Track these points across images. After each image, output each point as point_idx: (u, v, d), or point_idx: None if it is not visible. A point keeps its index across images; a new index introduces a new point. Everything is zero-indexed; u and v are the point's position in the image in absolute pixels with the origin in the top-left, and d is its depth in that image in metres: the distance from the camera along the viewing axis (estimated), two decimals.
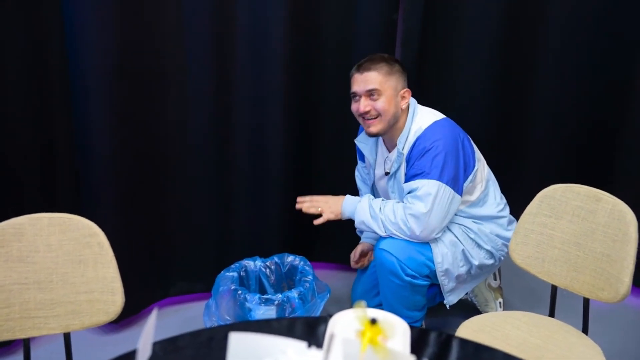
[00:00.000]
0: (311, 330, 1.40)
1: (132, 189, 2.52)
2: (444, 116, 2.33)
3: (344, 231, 2.74)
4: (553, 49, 2.93)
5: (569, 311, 2.20)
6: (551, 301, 2.06)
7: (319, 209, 2.33)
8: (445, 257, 2.26)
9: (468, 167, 2.26)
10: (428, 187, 2.16)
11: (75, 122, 2.41)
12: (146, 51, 2.40)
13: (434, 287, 2.41)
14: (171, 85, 2.48)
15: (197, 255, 2.76)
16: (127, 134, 2.44)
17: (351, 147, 2.58)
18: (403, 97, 2.29)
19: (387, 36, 2.68)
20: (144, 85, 2.44)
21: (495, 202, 2.39)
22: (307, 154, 2.81)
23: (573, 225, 1.95)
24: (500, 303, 2.64)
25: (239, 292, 2.31)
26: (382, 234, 2.26)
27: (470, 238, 2.32)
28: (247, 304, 2.28)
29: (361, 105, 2.26)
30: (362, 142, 2.45)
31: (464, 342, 1.36)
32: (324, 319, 1.41)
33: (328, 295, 2.43)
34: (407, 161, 2.27)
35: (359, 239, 2.67)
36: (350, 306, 2.10)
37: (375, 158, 2.46)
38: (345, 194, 2.37)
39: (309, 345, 1.03)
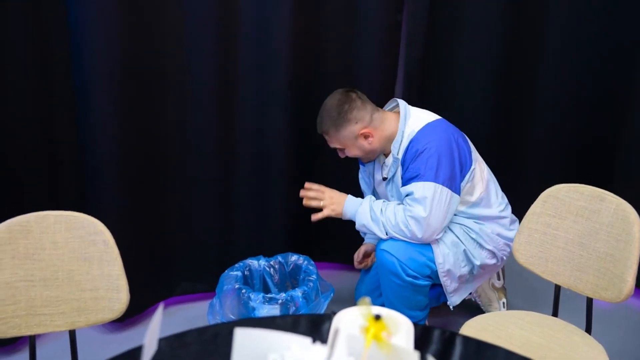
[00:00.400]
0: (315, 328, 1.41)
1: (135, 189, 2.53)
2: (437, 117, 2.32)
3: (348, 231, 2.74)
4: (554, 49, 2.94)
5: (571, 311, 2.20)
6: (554, 301, 2.06)
7: (321, 203, 2.33)
8: (447, 257, 2.26)
9: (464, 166, 2.26)
10: (424, 189, 2.17)
11: (78, 122, 2.42)
12: (149, 51, 2.41)
13: (438, 287, 2.41)
14: (174, 85, 2.49)
15: (200, 255, 2.77)
16: (130, 134, 2.45)
17: None
18: (365, 137, 2.29)
19: (391, 37, 2.68)
20: (147, 85, 2.45)
21: (497, 202, 2.39)
22: (311, 153, 2.82)
23: (577, 225, 1.96)
24: (503, 303, 2.64)
25: (243, 291, 2.32)
26: (384, 236, 2.26)
27: (472, 238, 2.33)
28: (251, 303, 2.29)
29: (340, 155, 2.40)
30: None
31: (467, 340, 1.37)
32: (328, 317, 1.42)
33: (332, 294, 2.44)
34: (402, 165, 2.27)
35: (363, 239, 2.68)
36: (354, 306, 2.10)
37: (373, 164, 2.47)
38: (350, 194, 2.37)
39: (314, 341, 1.04)
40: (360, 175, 2.62)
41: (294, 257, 2.59)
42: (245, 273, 2.53)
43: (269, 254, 2.63)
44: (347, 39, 2.67)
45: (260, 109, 2.64)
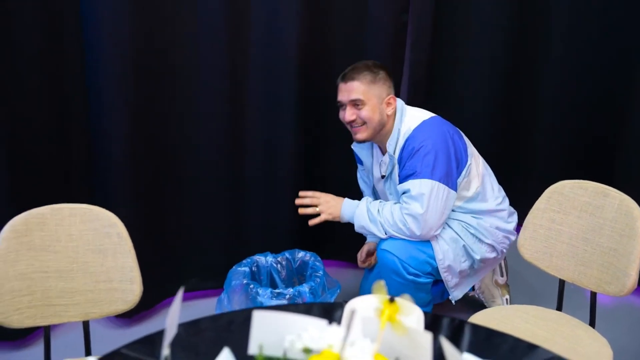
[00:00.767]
0: (328, 315, 1.44)
1: (145, 187, 2.57)
2: (432, 115, 2.35)
3: (353, 230, 2.77)
4: (555, 50, 2.98)
5: (575, 306, 2.23)
6: (559, 295, 2.09)
7: (317, 209, 2.34)
8: (446, 253, 2.29)
9: (461, 163, 2.29)
10: (421, 187, 2.19)
11: (91, 121, 2.46)
12: (160, 51, 2.45)
13: (441, 284, 2.44)
14: (186, 81, 2.53)
15: (209, 253, 2.79)
16: (142, 130, 2.49)
17: None
18: (388, 104, 2.32)
19: (397, 37, 2.72)
20: (158, 85, 2.49)
21: (494, 195, 2.41)
22: (319, 152, 2.85)
23: (581, 221, 1.99)
24: (507, 299, 2.67)
25: (251, 286, 2.35)
26: (382, 236, 2.29)
27: (471, 233, 2.35)
28: (259, 298, 2.32)
29: (347, 114, 2.31)
30: (358, 146, 2.50)
31: (476, 327, 1.40)
32: (340, 305, 1.45)
33: (338, 290, 2.47)
34: (399, 163, 2.30)
35: (366, 238, 2.71)
36: None
37: (371, 161, 2.50)
38: (355, 192, 2.39)
39: (330, 323, 1.07)
40: (358, 175, 2.65)
41: (300, 254, 2.61)
42: (253, 269, 2.55)
43: (276, 252, 2.65)
44: (353, 40, 2.71)
45: (270, 109, 2.67)
